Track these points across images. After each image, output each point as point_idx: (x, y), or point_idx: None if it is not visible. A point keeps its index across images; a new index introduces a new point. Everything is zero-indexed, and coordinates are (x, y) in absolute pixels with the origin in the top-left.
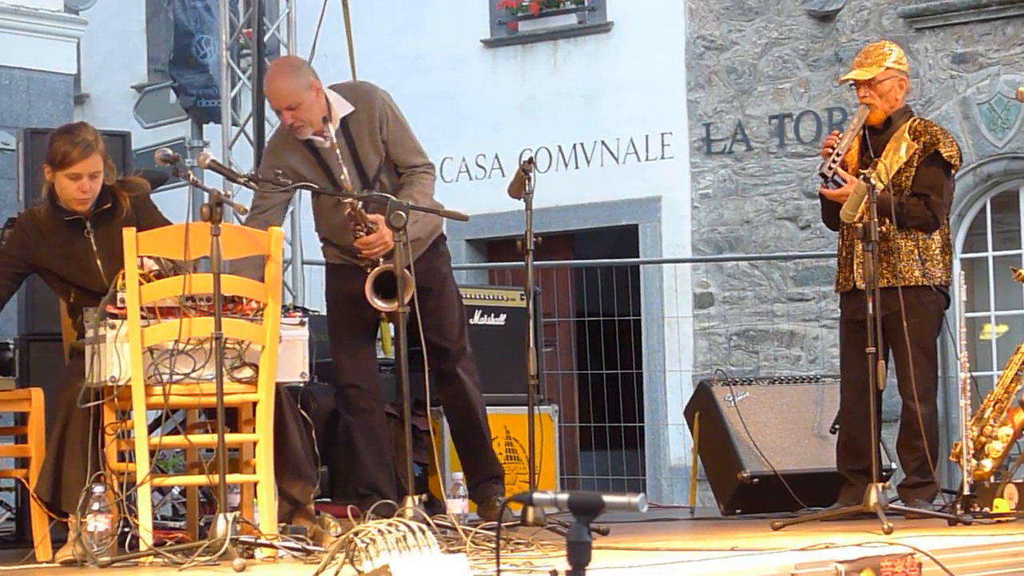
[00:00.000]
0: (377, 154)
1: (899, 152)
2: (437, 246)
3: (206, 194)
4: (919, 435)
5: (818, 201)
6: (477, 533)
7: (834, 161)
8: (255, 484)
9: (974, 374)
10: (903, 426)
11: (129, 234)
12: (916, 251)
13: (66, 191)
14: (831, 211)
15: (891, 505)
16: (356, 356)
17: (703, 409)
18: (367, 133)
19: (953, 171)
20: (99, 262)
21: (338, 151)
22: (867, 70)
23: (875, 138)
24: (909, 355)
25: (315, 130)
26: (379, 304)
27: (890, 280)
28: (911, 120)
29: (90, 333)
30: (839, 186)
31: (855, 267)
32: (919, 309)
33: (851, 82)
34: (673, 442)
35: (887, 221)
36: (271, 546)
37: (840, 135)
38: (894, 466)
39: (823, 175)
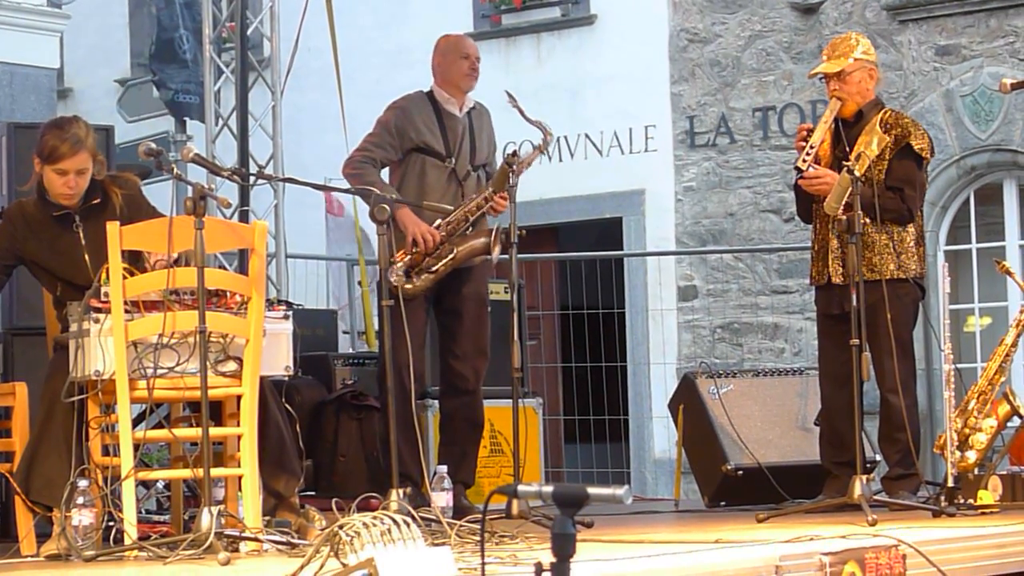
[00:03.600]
0: (489, 148)
1: (871, 146)
2: (490, 266)
3: (189, 188)
4: (899, 427)
5: None
6: (462, 526)
7: (808, 154)
8: (239, 478)
9: (958, 366)
10: (883, 419)
11: (112, 228)
12: (891, 244)
13: (53, 186)
14: (805, 204)
15: (875, 497)
16: (406, 349)
17: (687, 402)
18: (486, 129)
19: (925, 163)
20: (87, 256)
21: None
22: (835, 63)
23: (847, 131)
24: (888, 348)
25: (471, 90)
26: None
27: (866, 274)
28: (883, 112)
29: (74, 327)
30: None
31: (829, 261)
32: (895, 302)
33: (821, 76)
34: (657, 435)
35: (863, 214)
36: (256, 540)
37: (812, 127)
38: (878, 458)
39: (798, 168)
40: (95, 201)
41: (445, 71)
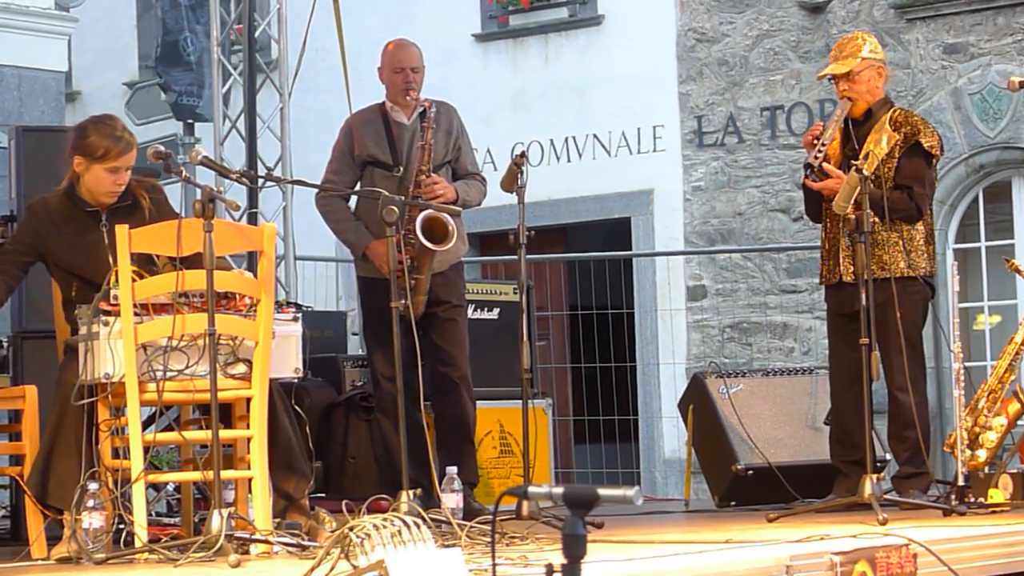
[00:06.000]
0: (445, 149)
1: (881, 144)
2: (460, 269)
3: (198, 190)
4: (909, 425)
5: None
6: (472, 527)
7: (819, 152)
8: (249, 480)
9: (968, 364)
10: (892, 417)
11: (122, 231)
12: (901, 242)
13: (102, 184)
14: (814, 202)
15: (885, 496)
16: (393, 362)
17: (697, 401)
18: (444, 130)
19: (935, 161)
20: (110, 257)
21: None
22: (843, 63)
23: (857, 130)
24: (898, 346)
25: (414, 103)
26: (426, 242)
27: (876, 272)
28: (892, 111)
29: (83, 330)
30: (825, 177)
31: (840, 259)
32: (905, 300)
33: (830, 77)
34: (667, 435)
35: (872, 213)
36: (266, 542)
37: (823, 126)
38: (888, 457)
39: (808, 166)
40: (125, 203)
41: (385, 83)
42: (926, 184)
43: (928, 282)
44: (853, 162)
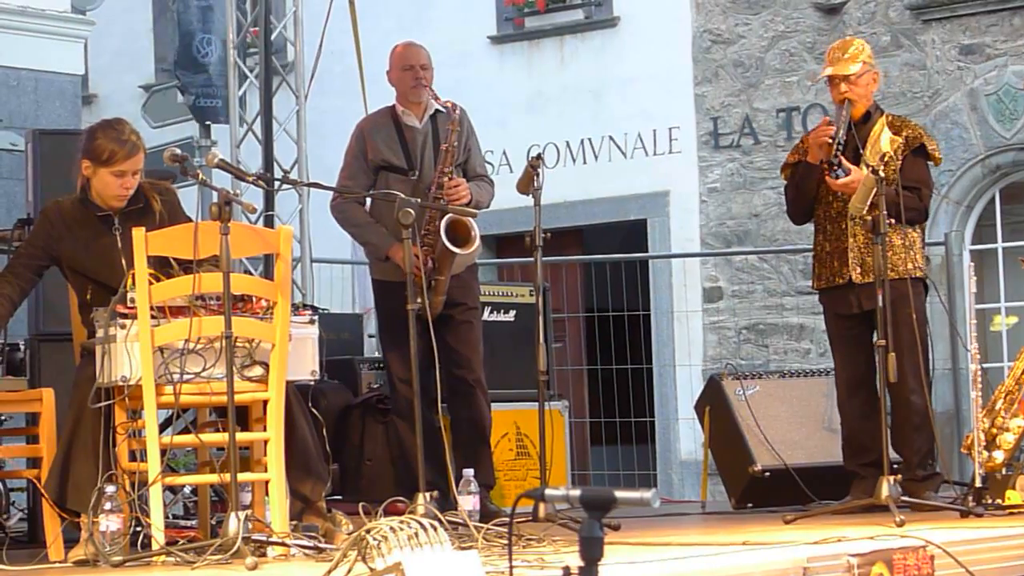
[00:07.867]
0: (461, 148)
1: (886, 146)
2: (475, 271)
3: (215, 193)
4: (918, 427)
5: None
6: (489, 530)
7: (838, 150)
8: (266, 482)
9: (984, 366)
10: (903, 419)
11: (139, 234)
12: (904, 243)
13: (109, 188)
14: (802, 203)
15: (903, 498)
16: (409, 364)
17: (713, 403)
18: (456, 133)
19: (934, 165)
20: (123, 260)
21: (425, 135)
22: (848, 64)
23: (857, 131)
24: (911, 345)
25: (425, 100)
26: (450, 246)
27: (888, 272)
28: (885, 115)
29: (100, 333)
30: (847, 174)
31: (849, 260)
32: (915, 300)
33: (825, 79)
34: (683, 436)
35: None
36: (283, 544)
37: (833, 123)
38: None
39: (830, 163)
40: (137, 206)
41: (395, 84)
42: (931, 186)
43: (925, 283)
44: (868, 163)
